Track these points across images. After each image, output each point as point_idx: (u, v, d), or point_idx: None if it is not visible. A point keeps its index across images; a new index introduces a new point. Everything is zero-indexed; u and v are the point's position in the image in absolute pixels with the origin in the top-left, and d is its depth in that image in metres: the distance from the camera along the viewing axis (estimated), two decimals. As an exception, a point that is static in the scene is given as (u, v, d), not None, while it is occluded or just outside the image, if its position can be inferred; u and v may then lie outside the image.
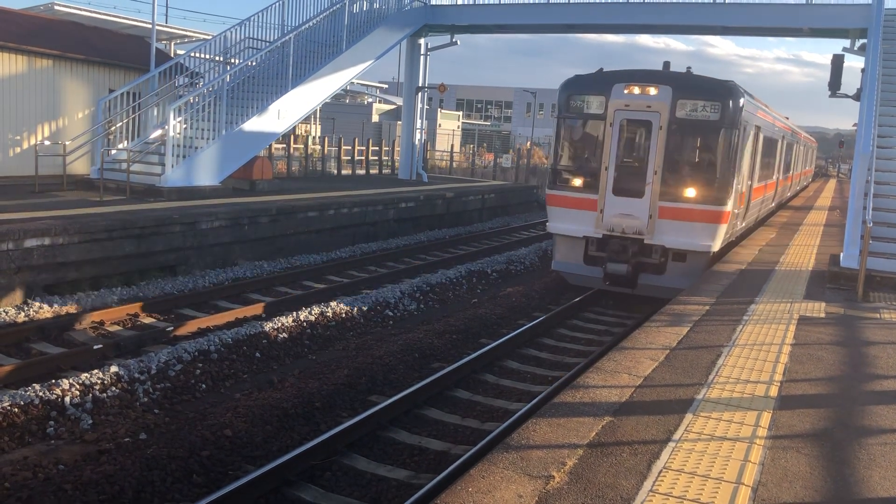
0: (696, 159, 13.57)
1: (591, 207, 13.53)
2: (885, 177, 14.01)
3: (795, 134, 28.52)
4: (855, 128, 23.01)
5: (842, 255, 12.54)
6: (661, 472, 4.79)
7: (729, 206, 13.13)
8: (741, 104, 13.09)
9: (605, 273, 13.38)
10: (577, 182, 13.92)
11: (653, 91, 13.03)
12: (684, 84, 13.19)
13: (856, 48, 22.40)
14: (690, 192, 13.00)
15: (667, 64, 14.17)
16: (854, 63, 24.04)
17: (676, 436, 5.38)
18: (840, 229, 16.59)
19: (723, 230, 13.22)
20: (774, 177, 21.28)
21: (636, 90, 13.16)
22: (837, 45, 23.49)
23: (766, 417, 5.88)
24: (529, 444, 5.06)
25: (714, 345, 7.82)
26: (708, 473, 4.82)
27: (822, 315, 9.66)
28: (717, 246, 13.23)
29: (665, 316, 9.01)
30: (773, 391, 6.51)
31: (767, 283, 11.39)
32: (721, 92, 13.02)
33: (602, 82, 13.59)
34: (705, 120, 12.92)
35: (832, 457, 5.27)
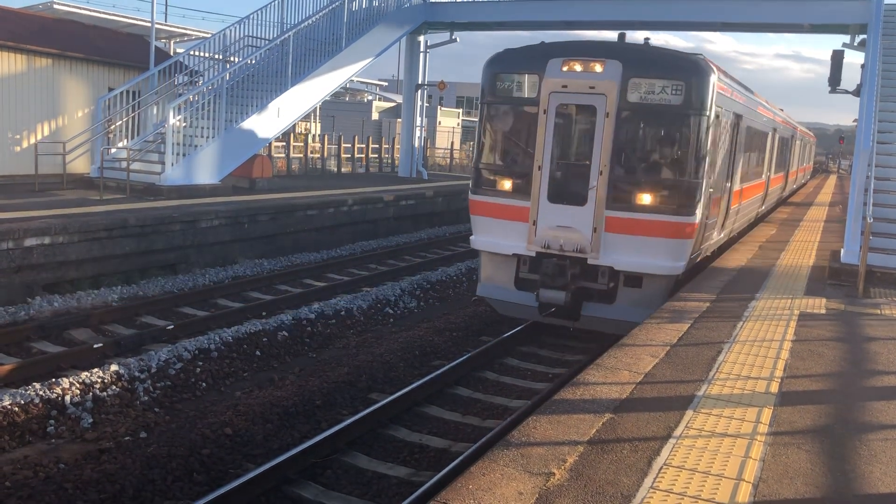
0: (654, 156, 10.83)
1: (521, 218, 10.84)
2: (885, 172, 13.99)
3: (790, 126, 25.69)
4: (855, 123, 22.99)
5: (842, 251, 12.53)
6: (661, 468, 4.79)
7: (697, 216, 10.39)
8: (712, 85, 10.38)
9: (538, 301, 10.78)
10: (505, 185, 11.10)
11: (598, 68, 10.30)
12: (638, 59, 10.43)
13: (856, 44, 22.38)
14: (646, 198, 10.32)
15: (622, 35, 11.51)
16: (854, 59, 24.04)
17: (677, 432, 5.38)
18: (840, 225, 16.57)
19: (689, 246, 10.52)
20: (764, 175, 18.60)
21: (577, 67, 10.41)
22: (837, 40, 23.47)
23: (767, 414, 5.88)
24: (530, 441, 5.06)
25: (715, 341, 7.82)
26: (709, 470, 4.82)
27: (823, 311, 9.66)
28: (681, 267, 10.56)
29: (665, 313, 9.01)
30: (774, 387, 6.50)
31: (768, 280, 11.38)
32: (685, 68, 10.34)
33: (535, 57, 10.82)
34: (665, 104, 10.20)
35: (833, 453, 5.27)
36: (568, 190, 10.68)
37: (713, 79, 10.46)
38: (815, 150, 56.22)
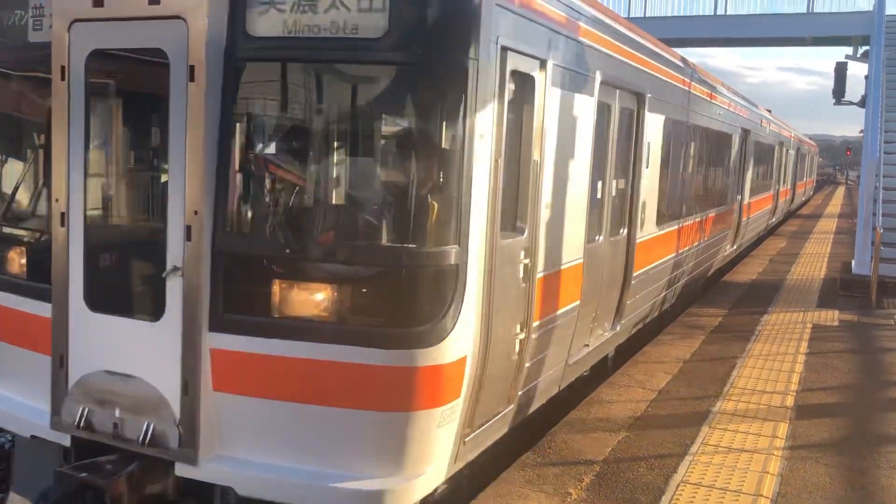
0: (331, 182, 4.50)
1: (40, 345, 4.57)
2: (893, 182, 13.96)
3: (778, 131, 19.36)
4: (862, 134, 23.02)
5: (853, 261, 12.49)
6: (678, 486, 4.76)
7: (463, 341, 4.10)
8: None
9: None
10: (7, 262, 4.93)
11: None
12: None
13: (858, 55, 22.46)
14: (316, 298, 4.07)
15: None
16: (858, 71, 24.12)
17: (693, 449, 5.34)
18: (850, 236, 16.51)
19: (434, 428, 4.04)
20: (732, 203, 12.78)
21: None
22: (840, 52, 23.54)
23: (783, 428, 5.83)
24: (546, 461, 5.04)
25: (728, 356, 7.78)
26: (726, 486, 4.78)
27: (836, 323, 9.61)
28: (422, 483, 4.07)
29: (677, 328, 8.98)
30: (790, 401, 6.46)
31: (779, 293, 11.35)
32: None
33: None
34: (348, 39, 3.84)
35: (851, 465, 5.22)
36: (123, 277, 4.86)
37: None
38: (821, 161, 55.96)
